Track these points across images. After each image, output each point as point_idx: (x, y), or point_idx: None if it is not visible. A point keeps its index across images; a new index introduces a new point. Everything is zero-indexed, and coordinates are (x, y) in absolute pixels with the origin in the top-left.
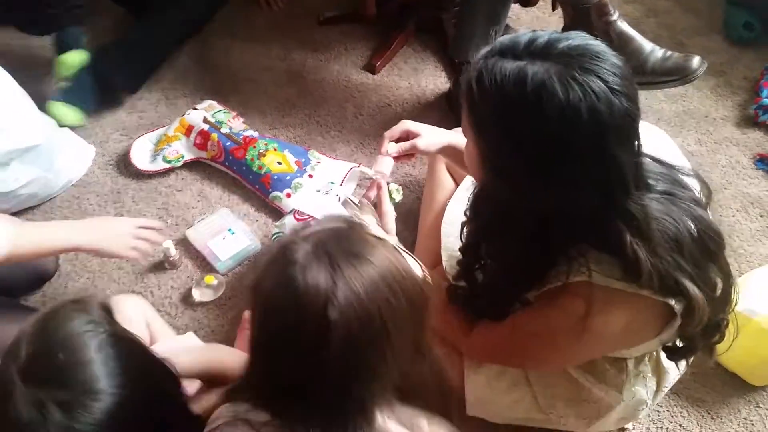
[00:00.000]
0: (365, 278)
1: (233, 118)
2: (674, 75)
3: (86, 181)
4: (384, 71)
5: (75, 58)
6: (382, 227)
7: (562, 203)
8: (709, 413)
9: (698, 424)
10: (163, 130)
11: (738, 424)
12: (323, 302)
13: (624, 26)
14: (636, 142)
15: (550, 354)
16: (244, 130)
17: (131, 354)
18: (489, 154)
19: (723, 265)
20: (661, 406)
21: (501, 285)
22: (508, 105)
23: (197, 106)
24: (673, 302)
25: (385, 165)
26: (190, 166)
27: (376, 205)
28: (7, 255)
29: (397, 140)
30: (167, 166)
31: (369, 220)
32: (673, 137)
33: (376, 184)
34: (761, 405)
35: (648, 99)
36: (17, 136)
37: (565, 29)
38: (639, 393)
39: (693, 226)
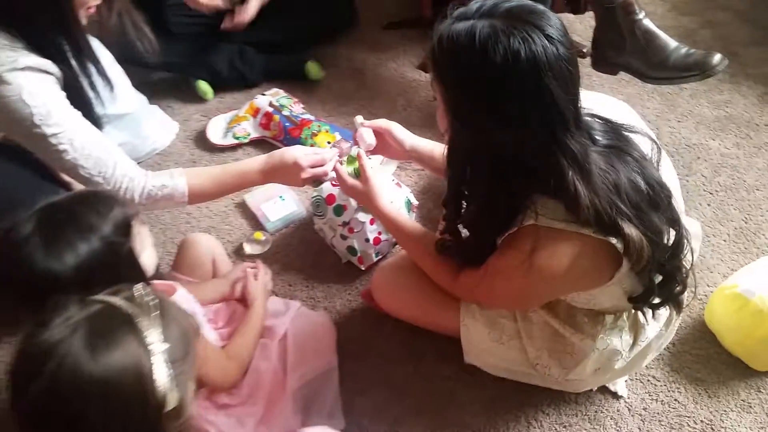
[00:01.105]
0: (81, 370)
1: (294, 104)
2: (694, 70)
3: (168, 151)
4: None
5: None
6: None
7: (511, 139)
8: (706, 392)
9: (694, 401)
10: (235, 112)
11: (735, 405)
12: (35, 371)
13: (649, 24)
14: (573, 86)
15: (509, 290)
16: (302, 114)
17: (100, 262)
18: (451, 104)
19: (670, 214)
20: (659, 381)
21: (477, 231)
22: (462, 56)
23: (265, 93)
24: (614, 241)
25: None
26: (255, 143)
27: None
28: (189, 188)
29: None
30: (236, 141)
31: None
32: (710, 139)
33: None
34: (762, 390)
35: (690, 104)
36: (111, 103)
37: (595, 29)
38: (613, 343)
39: (636, 177)
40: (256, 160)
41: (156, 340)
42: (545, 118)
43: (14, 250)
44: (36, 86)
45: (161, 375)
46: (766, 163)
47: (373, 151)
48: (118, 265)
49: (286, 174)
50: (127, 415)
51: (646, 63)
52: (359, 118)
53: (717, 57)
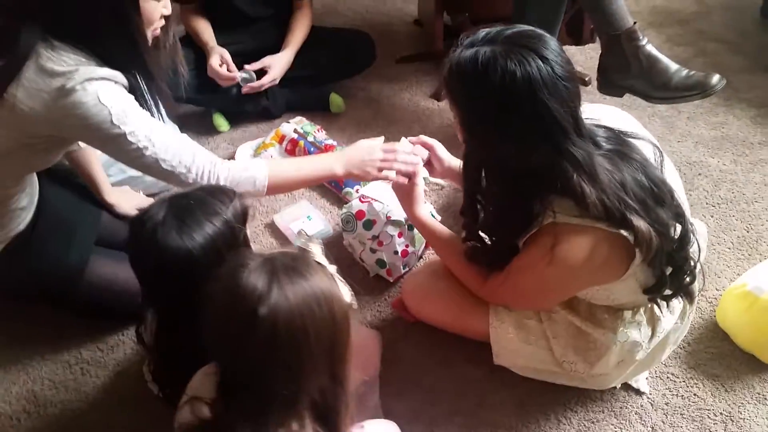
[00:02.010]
0: (297, 290)
1: (318, 131)
2: (696, 90)
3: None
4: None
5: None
6: (412, 204)
7: (518, 151)
8: (723, 386)
9: (712, 395)
10: (262, 139)
11: (751, 398)
12: (256, 299)
13: (652, 49)
14: (571, 100)
15: (534, 284)
16: (325, 139)
17: (224, 240)
18: (463, 121)
19: (674, 209)
20: (678, 377)
21: (496, 235)
22: (467, 78)
23: (290, 121)
24: (626, 233)
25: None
26: None
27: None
28: (269, 178)
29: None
30: None
31: (316, 250)
32: (709, 157)
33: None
34: None
35: (688, 126)
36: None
37: (601, 55)
38: (632, 335)
39: (639, 176)
40: (332, 153)
41: (326, 263)
42: (545, 130)
43: (150, 233)
44: (110, 90)
45: (342, 286)
46: (763, 178)
47: None
48: (237, 247)
49: (363, 160)
50: (333, 319)
51: (651, 85)
52: (404, 139)
53: (716, 77)
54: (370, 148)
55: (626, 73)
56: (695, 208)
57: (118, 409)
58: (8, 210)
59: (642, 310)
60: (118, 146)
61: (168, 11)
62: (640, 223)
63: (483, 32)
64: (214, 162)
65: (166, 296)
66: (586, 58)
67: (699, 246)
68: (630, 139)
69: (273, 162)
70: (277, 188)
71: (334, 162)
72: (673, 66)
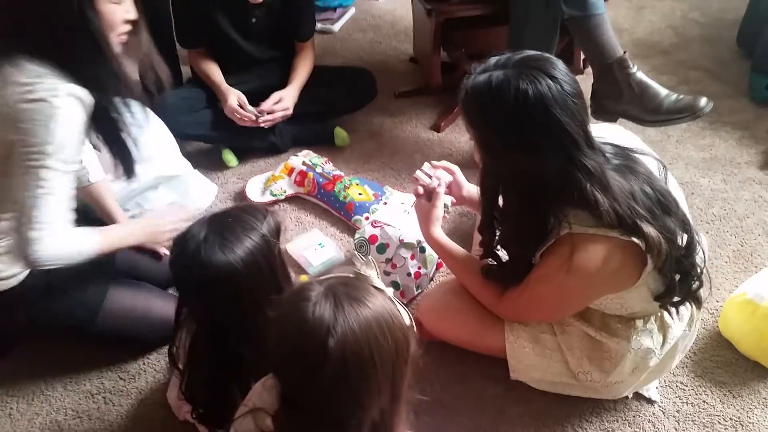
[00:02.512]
0: (361, 318)
1: (325, 162)
2: (685, 112)
3: (210, 210)
4: (447, 130)
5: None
6: (430, 224)
7: (534, 165)
8: (731, 393)
9: (720, 401)
10: (271, 173)
11: (758, 403)
12: (325, 333)
13: (642, 76)
14: (580, 115)
15: (551, 294)
16: (333, 170)
17: (262, 253)
18: (479, 139)
19: (680, 218)
20: (687, 386)
21: (514, 250)
22: (483, 100)
23: (297, 154)
24: (637, 241)
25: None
26: (290, 200)
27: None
28: (99, 251)
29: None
30: (273, 198)
31: (372, 274)
32: (700, 177)
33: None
34: None
35: (679, 150)
36: (164, 165)
37: (594, 82)
38: (645, 342)
39: (646, 187)
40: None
41: (383, 286)
42: (558, 143)
43: (194, 251)
44: (66, 120)
45: (401, 308)
46: (752, 195)
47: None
48: (274, 260)
49: (154, 232)
50: (396, 341)
51: (642, 109)
52: (427, 163)
53: (704, 100)
54: (159, 224)
55: (619, 99)
56: None
57: None
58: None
59: (653, 319)
60: (25, 170)
61: (132, 15)
62: (650, 230)
63: (494, 59)
64: (56, 235)
65: (210, 310)
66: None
67: (704, 253)
68: (635, 155)
69: (104, 232)
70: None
71: (137, 239)
72: (663, 91)
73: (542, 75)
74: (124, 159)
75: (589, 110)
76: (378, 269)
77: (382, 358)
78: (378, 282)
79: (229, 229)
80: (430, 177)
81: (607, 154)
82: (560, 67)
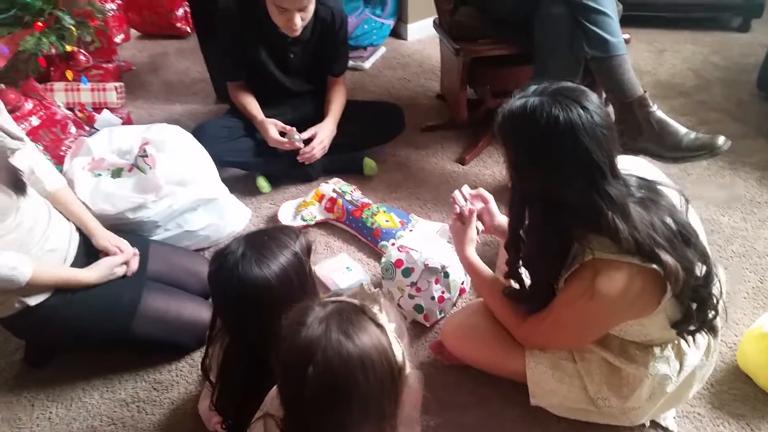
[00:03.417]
0: (344, 353)
1: (354, 190)
2: (703, 150)
3: (243, 233)
4: (472, 163)
5: (265, 185)
6: (464, 245)
7: (558, 188)
8: (749, 425)
9: None
10: (302, 198)
11: None
12: (308, 359)
13: (661, 114)
14: (608, 145)
15: (574, 319)
16: (361, 198)
17: (294, 270)
18: (510, 158)
19: (700, 250)
20: (704, 417)
21: (536, 271)
22: (517, 122)
23: (328, 181)
24: (656, 268)
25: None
26: (320, 225)
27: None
28: (30, 280)
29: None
30: (303, 223)
31: (377, 307)
32: (720, 215)
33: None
34: None
35: (700, 188)
36: (204, 189)
37: (615, 120)
38: (662, 369)
39: (667, 219)
40: (88, 271)
41: (385, 321)
42: (584, 169)
43: (233, 266)
44: None
45: (396, 347)
46: None
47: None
48: (305, 276)
49: (108, 273)
50: (381, 380)
51: (662, 146)
52: (466, 186)
53: (722, 139)
54: (111, 266)
55: (639, 136)
56: None
57: None
58: (38, 253)
59: (670, 346)
60: None
61: None
62: (668, 258)
63: (532, 87)
64: None
65: (244, 322)
66: None
67: (721, 285)
68: (659, 187)
69: (40, 265)
70: (35, 286)
71: (86, 274)
72: (682, 129)
73: (575, 104)
74: (4, 180)
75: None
76: (397, 294)
77: (360, 394)
78: (381, 317)
79: (265, 246)
80: (466, 200)
81: (631, 186)
82: (593, 99)
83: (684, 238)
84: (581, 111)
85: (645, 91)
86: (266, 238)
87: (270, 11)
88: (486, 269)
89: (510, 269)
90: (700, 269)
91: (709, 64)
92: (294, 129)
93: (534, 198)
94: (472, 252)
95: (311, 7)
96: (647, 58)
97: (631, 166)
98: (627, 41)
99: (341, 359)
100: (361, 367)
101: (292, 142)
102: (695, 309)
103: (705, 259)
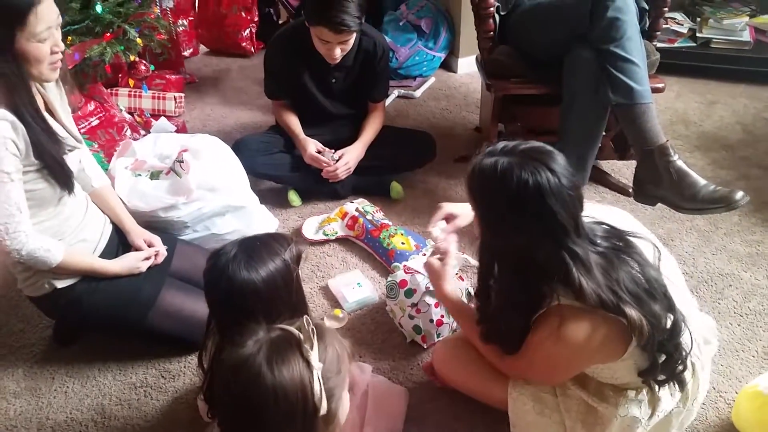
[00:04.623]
0: (261, 380)
1: (376, 211)
2: (720, 203)
3: None
4: None
5: (296, 198)
6: (440, 281)
7: (526, 245)
8: None
9: None
10: (327, 214)
11: None
12: (232, 375)
13: (682, 165)
14: (573, 206)
15: (544, 360)
16: (382, 219)
17: (281, 276)
18: (480, 214)
19: (666, 303)
20: None
21: (509, 317)
22: (488, 182)
23: (353, 201)
24: (622, 319)
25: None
26: (340, 240)
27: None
28: (60, 264)
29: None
30: (325, 238)
31: (318, 348)
32: (742, 271)
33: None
34: None
35: (724, 240)
36: (233, 196)
37: (636, 167)
38: (633, 411)
39: (634, 273)
40: (114, 262)
41: (315, 359)
42: (549, 229)
43: (223, 266)
44: None
45: (317, 387)
46: None
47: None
48: (291, 283)
49: (132, 266)
50: (292, 415)
51: (680, 196)
52: (442, 223)
53: (740, 194)
54: (132, 265)
55: (658, 184)
56: (723, 316)
57: (171, 431)
58: (71, 241)
59: (644, 391)
60: None
61: (60, 47)
62: (632, 313)
63: (501, 144)
64: (28, 234)
65: (230, 322)
66: (631, 172)
67: (692, 338)
68: (630, 238)
69: (71, 251)
70: (64, 270)
71: (112, 265)
72: (702, 181)
73: (543, 167)
74: (55, 176)
75: (632, 192)
76: (399, 314)
77: (268, 422)
78: (312, 355)
79: (256, 251)
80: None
81: (597, 238)
82: (560, 161)
83: (650, 293)
84: (549, 174)
85: (667, 140)
86: (258, 243)
87: (314, 40)
88: (465, 306)
89: (480, 315)
90: (667, 321)
91: (760, 119)
92: (331, 151)
93: (502, 253)
94: (450, 289)
95: (351, 41)
96: (696, 108)
97: (605, 215)
98: (660, 90)
99: (257, 384)
100: (273, 396)
101: (327, 161)
102: (663, 361)
103: (672, 311)
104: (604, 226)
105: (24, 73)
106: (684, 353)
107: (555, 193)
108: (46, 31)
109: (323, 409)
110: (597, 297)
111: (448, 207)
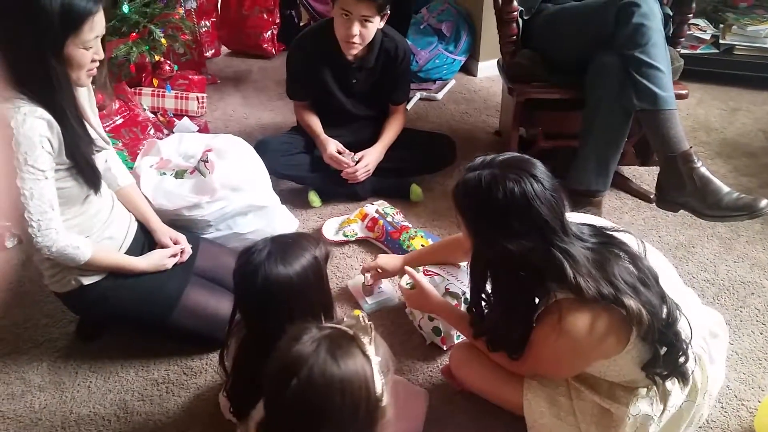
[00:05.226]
0: (328, 374)
1: (396, 213)
2: (744, 211)
3: None
4: None
5: (316, 199)
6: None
7: (520, 249)
8: None
9: None
10: (347, 216)
11: None
12: (293, 372)
13: (705, 171)
14: (558, 207)
15: (549, 355)
16: (402, 221)
17: (313, 272)
18: (470, 227)
19: (658, 291)
20: None
21: (507, 326)
22: (475, 195)
23: (373, 203)
24: (621, 310)
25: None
26: (360, 242)
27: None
28: (88, 261)
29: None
30: (345, 239)
31: (368, 338)
32: (764, 279)
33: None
34: None
35: (746, 248)
36: (256, 196)
37: (659, 173)
38: (644, 409)
39: (626, 263)
40: (141, 259)
41: (372, 354)
42: (539, 230)
43: (258, 264)
44: (30, 135)
45: (377, 379)
46: None
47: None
48: (321, 279)
49: (159, 262)
50: (357, 407)
51: (703, 203)
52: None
53: (764, 201)
54: (158, 262)
55: (681, 191)
56: (745, 324)
57: (191, 427)
58: (97, 239)
59: (655, 388)
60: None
61: (100, 56)
62: (631, 303)
63: (479, 159)
64: (59, 231)
65: (264, 317)
66: (653, 178)
67: (690, 326)
68: (614, 233)
69: (99, 248)
70: (92, 267)
71: (139, 262)
72: (725, 188)
73: (526, 174)
74: (84, 175)
75: (654, 198)
76: (418, 316)
77: (334, 415)
78: (370, 348)
79: (289, 247)
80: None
81: (584, 236)
82: (539, 167)
83: (644, 282)
84: (532, 180)
85: (691, 147)
86: (290, 241)
87: (336, 24)
88: (464, 313)
89: (475, 330)
90: (662, 311)
91: None
92: (351, 153)
93: (496, 261)
94: (442, 303)
95: (372, 27)
96: (718, 115)
97: (586, 218)
98: (684, 96)
99: (324, 378)
100: (339, 390)
101: (347, 161)
102: (664, 353)
103: (663, 299)
104: (589, 225)
105: (68, 75)
106: (684, 343)
107: (540, 197)
108: (93, 39)
109: (383, 400)
110: (595, 290)
111: (380, 259)
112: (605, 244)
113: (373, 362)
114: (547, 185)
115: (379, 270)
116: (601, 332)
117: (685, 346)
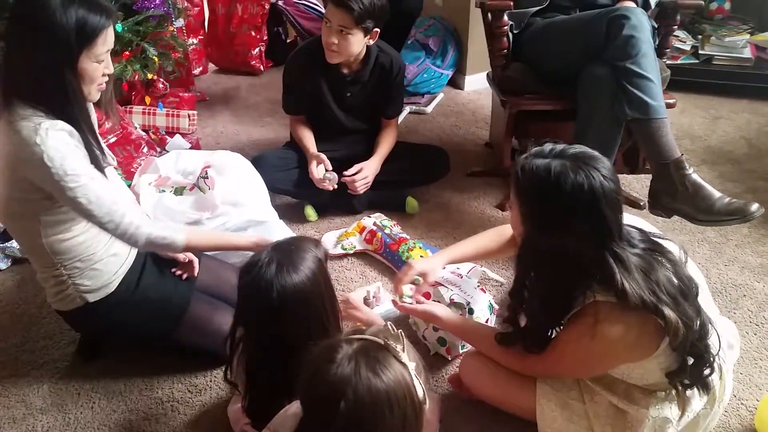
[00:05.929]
0: (374, 390)
1: (394, 225)
2: (736, 215)
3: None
4: None
5: (312, 213)
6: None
7: (573, 246)
8: None
9: None
10: (345, 229)
11: None
12: (339, 395)
13: (697, 178)
14: (619, 209)
15: (576, 356)
16: (400, 233)
17: (320, 273)
18: (528, 215)
19: (696, 305)
20: None
21: (541, 318)
22: (541, 184)
23: (370, 215)
24: (659, 320)
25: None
26: (358, 255)
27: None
28: (186, 243)
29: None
30: (343, 252)
31: (400, 346)
32: (755, 281)
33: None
34: None
35: (736, 252)
36: (255, 212)
37: (652, 180)
38: (664, 412)
39: (670, 274)
40: (248, 237)
41: (407, 360)
42: (598, 231)
43: (269, 276)
44: (58, 146)
45: (417, 383)
46: None
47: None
48: (328, 279)
49: (258, 243)
50: (404, 415)
51: (695, 208)
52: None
53: (755, 206)
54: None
55: (674, 197)
56: (739, 325)
57: None
58: (102, 256)
59: (673, 392)
60: (62, 194)
61: (110, 70)
62: (670, 314)
63: (549, 146)
64: (138, 225)
65: (282, 331)
66: (641, 185)
67: (719, 340)
68: (659, 240)
69: (194, 233)
70: (191, 250)
71: (249, 244)
72: (717, 193)
73: (595, 171)
74: None
75: (647, 204)
76: (422, 326)
77: (385, 429)
78: (404, 355)
79: (293, 254)
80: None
81: (634, 240)
82: (608, 165)
83: (684, 294)
84: (601, 178)
85: (682, 154)
86: (292, 247)
87: (322, 31)
88: (472, 321)
89: (510, 315)
90: (696, 323)
91: (764, 134)
92: (335, 174)
93: (546, 253)
94: (448, 316)
95: (352, 40)
96: (701, 123)
97: (629, 220)
98: (672, 105)
99: (371, 396)
100: (387, 403)
101: (325, 185)
102: (692, 364)
103: (699, 312)
104: (637, 229)
105: (81, 89)
106: (712, 356)
107: (607, 197)
108: (105, 53)
109: (426, 404)
110: (639, 298)
111: (418, 266)
112: (652, 251)
113: (410, 368)
114: (612, 185)
115: (420, 277)
116: (634, 339)
117: (712, 359)
